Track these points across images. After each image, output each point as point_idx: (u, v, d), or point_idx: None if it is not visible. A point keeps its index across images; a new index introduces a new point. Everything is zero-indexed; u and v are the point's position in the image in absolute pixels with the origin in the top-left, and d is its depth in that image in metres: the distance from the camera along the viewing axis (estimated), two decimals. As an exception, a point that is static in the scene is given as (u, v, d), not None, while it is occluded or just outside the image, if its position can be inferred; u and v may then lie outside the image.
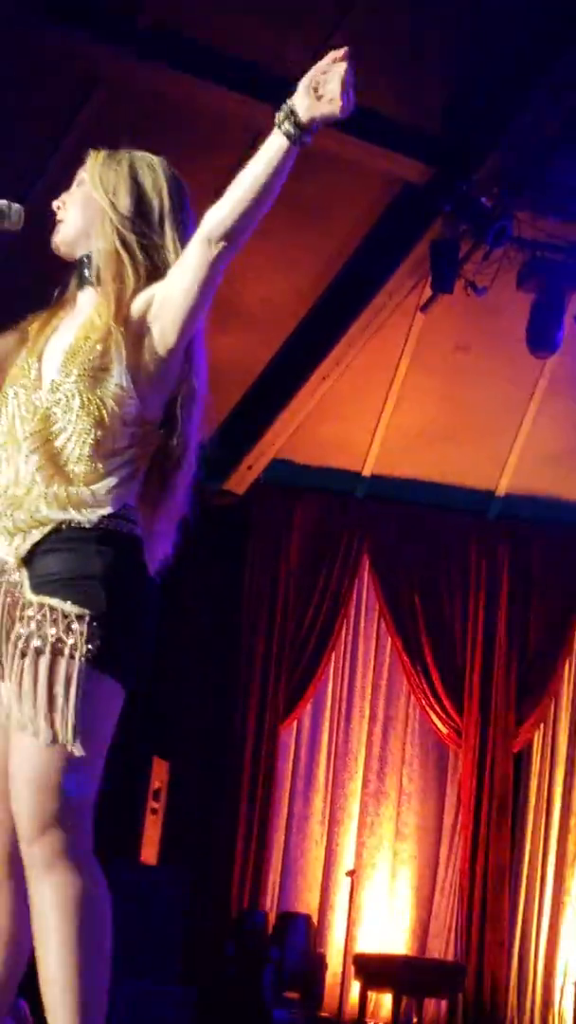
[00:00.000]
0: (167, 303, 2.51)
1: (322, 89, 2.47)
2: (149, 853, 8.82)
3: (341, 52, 2.50)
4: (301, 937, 9.84)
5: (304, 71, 2.58)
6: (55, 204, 2.72)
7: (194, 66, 7.82)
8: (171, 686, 8.99)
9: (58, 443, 2.45)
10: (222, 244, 2.48)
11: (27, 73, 7.72)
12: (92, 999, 2.32)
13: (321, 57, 2.51)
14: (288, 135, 2.48)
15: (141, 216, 2.63)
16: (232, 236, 2.49)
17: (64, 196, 2.72)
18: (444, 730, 10.76)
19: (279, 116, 2.49)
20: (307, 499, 10.71)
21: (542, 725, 10.96)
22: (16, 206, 2.67)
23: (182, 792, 9.34)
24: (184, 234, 2.62)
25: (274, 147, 2.48)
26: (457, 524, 10.84)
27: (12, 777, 2.37)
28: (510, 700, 10.75)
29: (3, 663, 2.41)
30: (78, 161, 2.88)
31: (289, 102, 2.49)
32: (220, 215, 2.47)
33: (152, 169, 2.67)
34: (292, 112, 2.47)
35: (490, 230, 8.71)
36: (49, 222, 2.75)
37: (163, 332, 2.51)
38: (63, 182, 2.79)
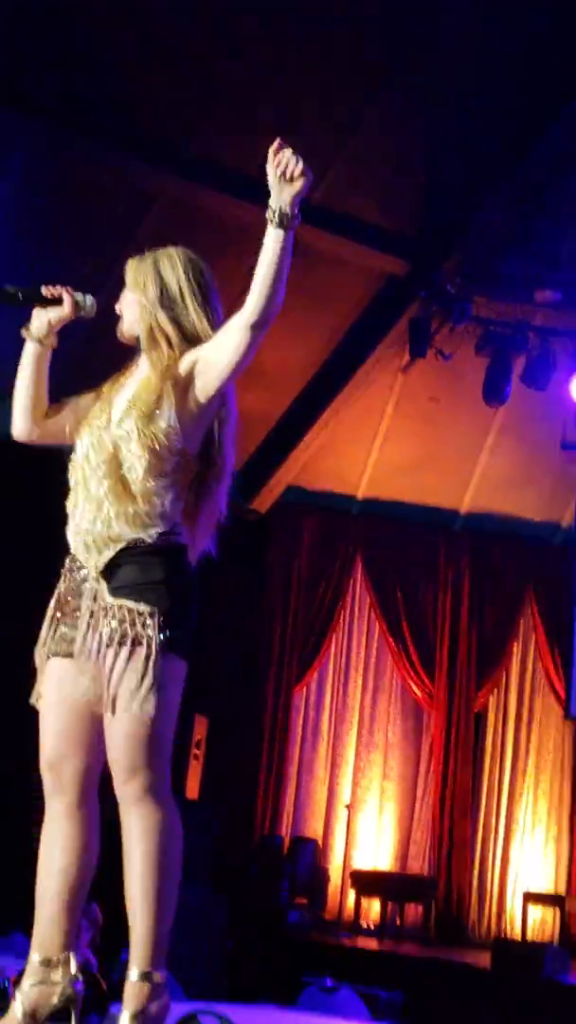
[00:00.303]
0: (211, 366, 2.48)
1: (284, 177, 2.43)
2: (192, 791, 8.81)
3: (275, 144, 2.44)
4: (309, 856, 9.84)
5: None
6: (117, 307, 2.66)
7: (224, 185, 7.89)
8: (209, 659, 8.97)
9: (123, 470, 2.45)
10: (258, 328, 2.45)
11: (94, 194, 7.77)
12: (165, 906, 2.35)
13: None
14: (278, 225, 2.45)
15: (167, 298, 2.56)
16: (265, 319, 2.46)
17: (121, 296, 2.66)
18: (420, 694, 10.77)
19: (268, 215, 2.46)
20: (313, 516, 10.71)
21: (496, 691, 10.96)
22: (91, 298, 2.63)
23: (217, 742, 9.35)
24: (206, 299, 2.59)
25: (272, 238, 2.45)
26: (430, 535, 10.84)
27: (108, 736, 2.38)
28: (471, 671, 10.75)
29: (85, 651, 2.40)
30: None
31: (270, 203, 2.45)
32: (253, 305, 2.44)
33: (170, 257, 2.61)
34: (273, 209, 2.45)
35: (455, 310, 8.80)
36: (115, 318, 2.69)
37: (205, 385, 2.48)
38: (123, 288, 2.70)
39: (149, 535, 2.43)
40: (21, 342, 2.61)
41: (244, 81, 7.63)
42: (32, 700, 2.53)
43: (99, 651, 2.39)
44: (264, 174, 2.37)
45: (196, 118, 7.67)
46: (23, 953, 6.15)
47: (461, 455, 10.39)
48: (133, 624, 2.37)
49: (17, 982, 4.24)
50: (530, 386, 9.15)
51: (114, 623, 2.38)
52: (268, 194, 2.26)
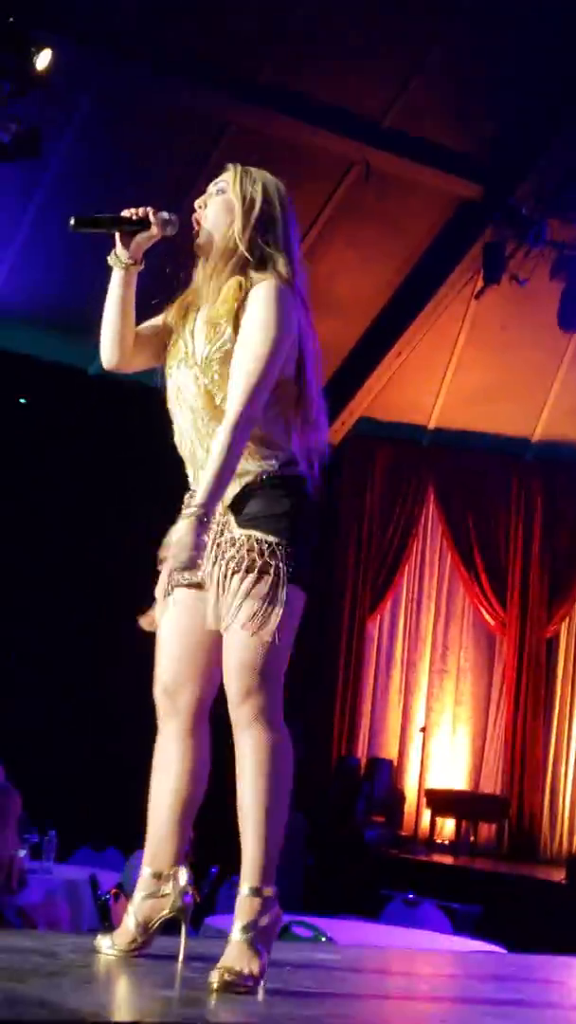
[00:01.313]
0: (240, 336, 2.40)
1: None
2: (272, 714, 8.89)
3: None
4: (385, 776, 9.90)
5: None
6: (196, 203, 2.53)
7: (298, 112, 7.75)
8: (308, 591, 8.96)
9: (222, 403, 2.38)
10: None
11: (169, 124, 7.68)
12: (275, 825, 2.35)
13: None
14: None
15: (263, 223, 2.47)
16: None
17: (203, 199, 2.53)
18: (492, 622, 10.71)
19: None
20: (386, 447, 10.61)
21: (567, 618, 10.84)
22: (174, 215, 2.52)
23: (297, 667, 9.34)
24: (288, 242, 2.49)
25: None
26: (501, 464, 10.68)
27: (225, 660, 2.37)
28: (543, 598, 10.63)
29: (210, 580, 2.37)
30: None
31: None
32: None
33: (277, 190, 2.52)
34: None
35: (529, 234, 8.58)
36: (190, 227, 2.54)
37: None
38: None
39: (271, 466, 2.40)
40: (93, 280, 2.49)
41: (315, 7, 7.42)
42: (144, 625, 2.50)
43: (226, 578, 2.37)
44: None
45: (268, 45, 7.48)
46: (117, 867, 6.28)
47: (533, 384, 10.18)
48: (261, 553, 2.35)
49: (116, 895, 4.30)
50: (605, 311, 8.93)
51: (242, 552, 2.36)
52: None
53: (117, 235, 2.51)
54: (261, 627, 2.33)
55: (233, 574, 2.36)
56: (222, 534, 2.39)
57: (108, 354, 2.57)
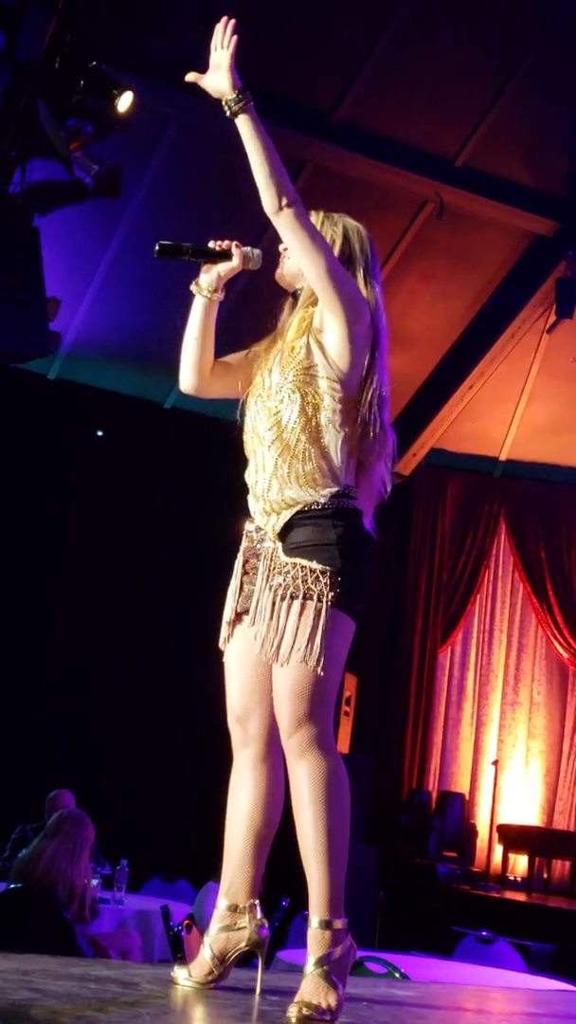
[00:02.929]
0: (319, 294, 2.43)
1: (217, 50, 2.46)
2: (343, 745, 8.81)
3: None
4: (457, 811, 9.79)
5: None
6: (281, 247, 2.55)
7: (373, 151, 7.79)
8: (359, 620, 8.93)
9: (288, 434, 2.42)
10: (291, 206, 2.38)
11: (248, 161, 7.76)
12: (338, 854, 2.30)
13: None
14: (233, 113, 2.42)
15: (342, 257, 2.50)
16: (285, 192, 2.38)
17: None
18: (565, 655, 10.56)
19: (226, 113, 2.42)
20: (457, 479, 10.59)
21: None
22: (257, 251, 2.58)
23: (367, 699, 9.36)
24: (368, 281, 2.51)
25: (240, 130, 2.42)
26: (573, 496, 10.57)
27: (275, 689, 2.36)
28: (618, 631, 10.52)
29: (260, 608, 2.38)
30: None
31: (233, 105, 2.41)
32: (268, 193, 2.39)
33: (358, 232, 2.56)
34: (224, 104, 2.42)
35: (602, 269, 8.54)
36: (274, 260, 2.60)
37: (332, 313, 2.42)
38: (276, 247, 2.58)
39: (322, 495, 2.39)
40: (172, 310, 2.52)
41: (390, 47, 7.46)
42: (220, 644, 2.52)
43: (273, 606, 2.38)
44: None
45: (344, 85, 7.54)
46: (188, 899, 6.26)
47: (606, 416, 10.07)
48: (305, 580, 2.35)
49: (188, 927, 4.28)
50: None
51: (288, 579, 2.36)
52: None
53: (201, 264, 2.56)
54: (308, 655, 2.32)
55: (280, 601, 2.36)
56: (271, 561, 2.40)
57: (186, 378, 2.61)
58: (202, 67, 2.47)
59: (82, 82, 5.72)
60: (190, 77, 2.45)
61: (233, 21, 2.41)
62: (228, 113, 2.40)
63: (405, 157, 7.87)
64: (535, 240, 8.76)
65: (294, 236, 2.39)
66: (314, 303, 2.50)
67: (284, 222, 2.39)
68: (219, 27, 2.42)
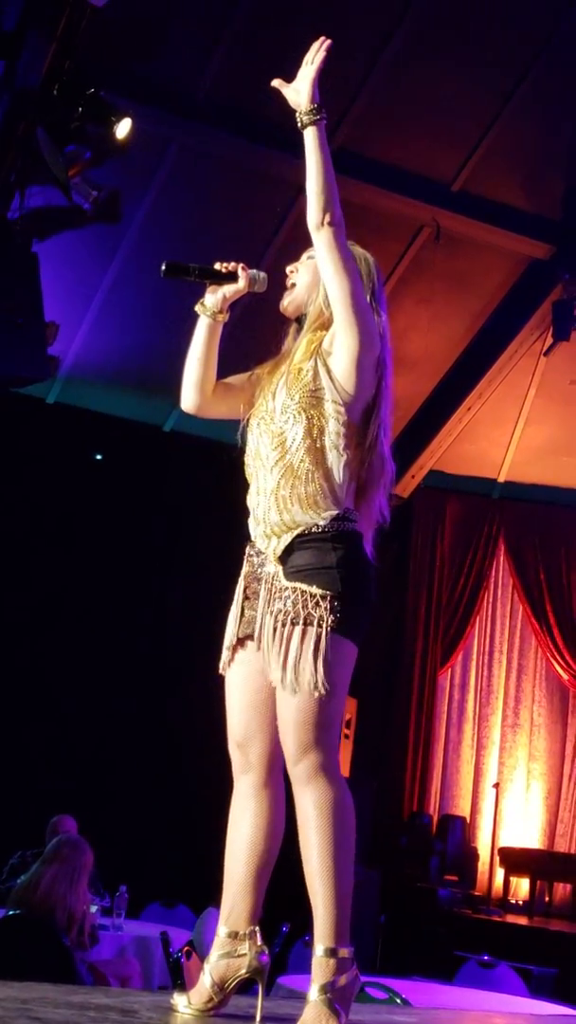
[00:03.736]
0: (335, 313, 2.44)
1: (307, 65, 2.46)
2: (344, 768, 8.65)
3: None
4: (458, 834, 9.73)
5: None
6: (289, 268, 2.61)
7: (371, 176, 7.83)
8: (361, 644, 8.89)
9: (292, 456, 2.41)
10: (334, 224, 2.39)
11: (245, 187, 7.80)
12: (344, 881, 2.28)
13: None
14: (304, 124, 2.42)
15: None
16: (331, 210, 2.39)
17: (296, 264, 2.62)
18: (565, 676, 10.53)
19: (298, 124, 2.43)
20: (456, 500, 10.60)
21: None
22: (263, 273, 2.59)
23: (367, 722, 9.31)
24: (379, 311, 2.52)
25: (307, 140, 2.42)
26: (572, 517, 10.57)
27: (280, 716, 2.35)
28: (617, 653, 10.49)
29: (261, 633, 2.38)
30: (286, 252, 2.76)
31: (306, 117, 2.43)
32: (316, 206, 2.39)
33: (364, 259, 2.56)
34: (298, 114, 2.43)
35: (598, 292, 8.57)
36: (280, 287, 2.62)
37: (345, 339, 2.43)
38: (275, 271, 2.64)
39: (323, 518, 2.39)
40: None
41: (387, 73, 7.51)
42: (221, 669, 2.51)
43: (274, 632, 2.37)
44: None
45: (341, 110, 7.59)
46: (187, 925, 6.21)
47: (603, 437, 10.09)
48: (305, 605, 2.34)
49: (188, 953, 4.24)
50: None
51: (288, 604, 2.35)
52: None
53: (207, 285, 2.57)
54: (311, 682, 2.30)
55: (281, 627, 2.35)
56: (272, 584, 2.40)
57: (188, 397, 2.61)
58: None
59: (81, 108, 5.76)
60: (275, 83, 2.50)
61: (329, 42, 2.47)
62: (300, 124, 2.43)
63: (402, 182, 7.92)
64: (531, 263, 8.80)
65: (329, 255, 2.41)
66: (322, 326, 2.51)
67: (324, 239, 2.41)
68: (315, 44, 2.47)
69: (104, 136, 5.92)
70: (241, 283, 2.56)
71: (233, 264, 2.58)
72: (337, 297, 2.42)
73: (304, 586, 2.35)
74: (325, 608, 2.32)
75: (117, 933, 5.61)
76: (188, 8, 6.98)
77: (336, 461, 2.41)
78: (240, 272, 2.57)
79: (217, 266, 2.57)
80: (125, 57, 6.88)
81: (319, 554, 2.37)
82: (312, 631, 2.32)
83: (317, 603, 2.33)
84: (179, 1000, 2.37)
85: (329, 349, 2.45)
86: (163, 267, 2.51)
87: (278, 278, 2.65)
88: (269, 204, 7.81)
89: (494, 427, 10.03)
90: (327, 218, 2.39)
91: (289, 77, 2.50)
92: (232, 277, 2.57)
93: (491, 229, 8.34)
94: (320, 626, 2.31)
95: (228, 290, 2.57)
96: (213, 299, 2.57)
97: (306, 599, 2.34)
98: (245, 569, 2.50)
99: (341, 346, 2.44)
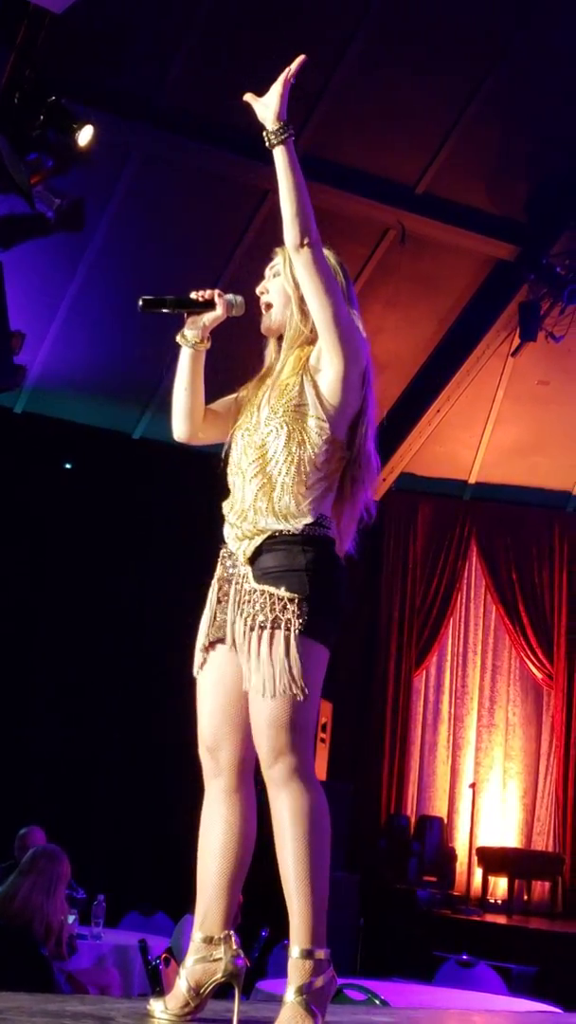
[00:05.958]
0: (321, 332, 2.43)
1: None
2: (320, 772, 8.77)
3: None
4: (436, 835, 9.75)
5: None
6: (259, 289, 2.60)
7: (335, 180, 7.85)
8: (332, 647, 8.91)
9: (272, 467, 2.43)
10: (312, 245, 2.38)
11: (209, 193, 7.80)
12: (320, 884, 2.30)
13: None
14: (271, 144, 2.39)
15: None
16: (308, 229, 2.38)
17: (266, 284, 2.60)
18: (539, 675, 10.58)
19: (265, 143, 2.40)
20: (427, 503, 10.62)
21: (616, 669, 10.73)
22: (239, 297, 2.59)
23: (343, 726, 9.33)
24: (350, 299, 2.52)
25: (276, 160, 2.39)
26: (543, 517, 10.64)
27: (253, 720, 2.35)
28: (589, 650, 10.55)
29: (232, 636, 2.39)
30: (251, 257, 2.73)
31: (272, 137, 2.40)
32: (292, 227, 2.38)
33: (328, 259, 2.50)
34: (265, 133, 2.40)
35: (564, 292, 8.60)
36: (255, 307, 2.61)
37: (330, 356, 2.42)
38: (240, 277, 2.64)
39: (294, 525, 2.40)
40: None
41: (349, 76, 7.55)
42: (194, 672, 2.51)
43: (244, 635, 2.38)
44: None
45: (303, 115, 7.61)
46: (166, 932, 6.20)
47: (572, 436, 10.13)
48: (273, 608, 2.35)
49: (167, 960, 4.24)
50: None
51: (256, 608, 2.36)
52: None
53: (185, 315, 2.57)
54: (282, 685, 2.31)
55: (251, 631, 2.36)
56: (240, 586, 2.41)
57: (179, 428, 2.62)
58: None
59: (42, 116, 5.76)
60: (247, 97, 2.47)
61: (303, 58, 2.45)
62: (267, 143, 2.40)
63: (366, 185, 7.95)
64: (497, 265, 8.84)
65: (309, 276, 2.41)
66: (307, 342, 2.52)
67: (303, 260, 2.40)
68: (296, 62, 2.45)
69: (66, 144, 5.93)
70: (219, 310, 2.57)
71: (209, 292, 2.58)
72: (320, 317, 2.43)
73: (272, 588, 2.35)
74: (293, 612, 2.33)
75: (96, 942, 5.60)
76: (148, 15, 6.99)
77: (314, 475, 2.42)
78: (217, 299, 2.57)
79: (193, 295, 2.57)
80: (86, 65, 6.88)
81: (288, 556, 2.38)
82: (280, 634, 2.33)
83: (285, 606, 2.33)
84: (156, 1006, 2.38)
85: (317, 366, 2.46)
86: (140, 303, 2.52)
87: (248, 281, 2.66)
88: (233, 209, 7.82)
89: (463, 429, 10.07)
90: (306, 239, 2.39)
91: (248, 83, 2.50)
92: (209, 305, 2.57)
93: (456, 231, 8.38)
94: (288, 629, 2.32)
95: (207, 318, 2.58)
96: (193, 331, 2.57)
97: (274, 602, 2.34)
98: (218, 572, 2.51)
99: (328, 364, 2.44)
